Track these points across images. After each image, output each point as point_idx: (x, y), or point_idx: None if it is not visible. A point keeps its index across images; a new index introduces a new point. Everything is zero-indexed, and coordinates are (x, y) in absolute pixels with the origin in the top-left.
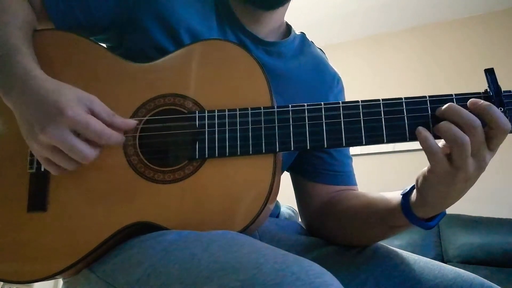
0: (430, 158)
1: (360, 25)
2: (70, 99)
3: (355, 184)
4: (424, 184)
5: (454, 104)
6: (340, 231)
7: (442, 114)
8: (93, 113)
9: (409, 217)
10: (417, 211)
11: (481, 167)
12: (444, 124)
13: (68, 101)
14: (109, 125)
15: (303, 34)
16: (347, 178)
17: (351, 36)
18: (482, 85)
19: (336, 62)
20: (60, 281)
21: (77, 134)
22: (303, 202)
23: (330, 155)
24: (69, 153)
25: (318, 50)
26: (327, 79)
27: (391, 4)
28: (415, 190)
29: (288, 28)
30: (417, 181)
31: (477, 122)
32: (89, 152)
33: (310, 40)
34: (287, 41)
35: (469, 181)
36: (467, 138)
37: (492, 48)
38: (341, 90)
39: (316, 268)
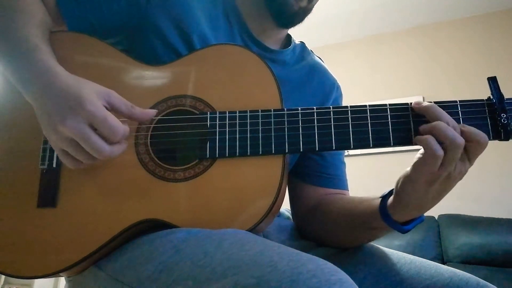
0: (428, 158)
1: (360, 25)
2: (90, 93)
3: (346, 189)
4: (406, 185)
5: (441, 123)
6: (325, 234)
7: (429, 131)
8: (112, 107)
9: (386, 219)
10: (393, 213)
11: (461, 172)
12: (425, 138)
13: (88, 95)
14: (129, 116)
15: (303, 43)
16: (338, 181)
17: (351, 36)
18: (481, 85)
19: (336, 62)
20: (61, 280)
21: (94, 130)
22: (294, 203)
23: (323, 158)
24: (85, 145)
25: (317, 58)
26: (327, 85)
27: (391, 4)
28: (393, 194)
29: (288, 36)
30: (397, 183)
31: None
32: (104, 147)
33: (309, 49)
34: (289, 50)
35: (448, 186)
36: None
37: (492, 48)
38: (340, 96)
39: (330, 266)
